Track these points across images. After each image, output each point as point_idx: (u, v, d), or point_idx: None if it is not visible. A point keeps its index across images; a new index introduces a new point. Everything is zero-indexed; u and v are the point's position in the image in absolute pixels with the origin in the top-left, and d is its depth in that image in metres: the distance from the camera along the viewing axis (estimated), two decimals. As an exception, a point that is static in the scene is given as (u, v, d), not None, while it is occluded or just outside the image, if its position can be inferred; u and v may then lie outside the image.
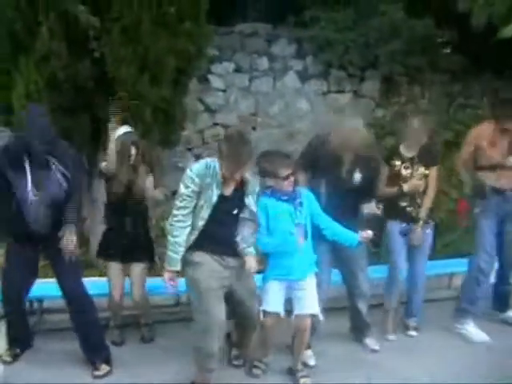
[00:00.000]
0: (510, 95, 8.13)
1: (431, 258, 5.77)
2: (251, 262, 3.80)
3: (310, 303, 3.99)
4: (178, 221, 3.72)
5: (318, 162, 4.32)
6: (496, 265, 5.25)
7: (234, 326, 4.28)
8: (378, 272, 5.32)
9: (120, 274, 4.45)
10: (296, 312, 4.01)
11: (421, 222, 4.75)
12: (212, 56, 6.97)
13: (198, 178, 3.70)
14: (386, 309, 4.98)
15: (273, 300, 3.99)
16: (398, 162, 4.77)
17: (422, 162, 4.73)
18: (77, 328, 4.14)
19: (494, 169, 4.87)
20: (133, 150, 4.32)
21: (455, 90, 7.89)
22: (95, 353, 4.13)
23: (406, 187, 4.70)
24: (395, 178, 4.78)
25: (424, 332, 4.99)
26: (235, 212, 3.82)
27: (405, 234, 4.85)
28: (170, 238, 3.77)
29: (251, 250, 3.85)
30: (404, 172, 4.74)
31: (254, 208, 3.87)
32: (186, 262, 3.78)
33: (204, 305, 3.70)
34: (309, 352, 4.37)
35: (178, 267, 3.74)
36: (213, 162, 3.76)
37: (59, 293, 4.11)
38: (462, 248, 6.22)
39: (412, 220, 4.81)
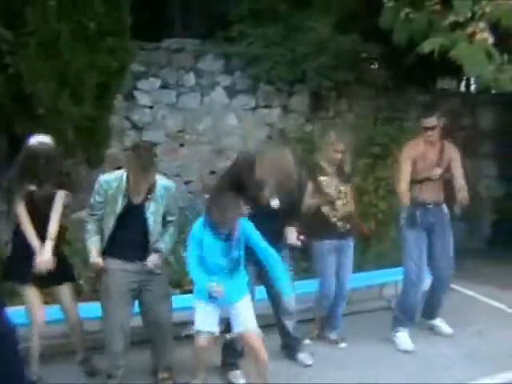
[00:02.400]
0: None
1: (360, 269, 5.85)
2: (154, 259, 3.95)
3: (248, 320, 3.90)
4: (89, 221, 4.00)
5: (241, 184, 4.22)
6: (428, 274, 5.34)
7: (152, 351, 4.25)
8: (307, 287, 5.30)
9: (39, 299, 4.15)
10: (237, 330, 3.92)
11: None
12: (137, 72, 6.81)
13: (102, 189, 3.91)
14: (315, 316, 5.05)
15: (206, 319, 3.87)
16: (322, 178, 4.79)
17: (338, 178, 4.82)
18: None
19: (421, 182, 4.95)
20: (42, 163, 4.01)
21: (381, 104, 8.03)
22: None
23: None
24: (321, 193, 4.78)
25: (356, 343, 5.02)
26: (147, 217, 3.94)
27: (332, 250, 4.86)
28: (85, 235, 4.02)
29: (161, 245, 4.02)
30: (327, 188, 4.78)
31: (161, 214, 4.01)
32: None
33: (109, 307, 3.94)
34: (237, 372, 4.28)
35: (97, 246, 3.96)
36: (122, 172, 3.96)
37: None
38: (392, 258, 6.30)
39: (341, 236, 4.81)
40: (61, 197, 4.10)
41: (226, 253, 3.81)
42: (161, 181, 4.04)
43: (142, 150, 3.90)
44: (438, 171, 4.94)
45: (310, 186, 4.67)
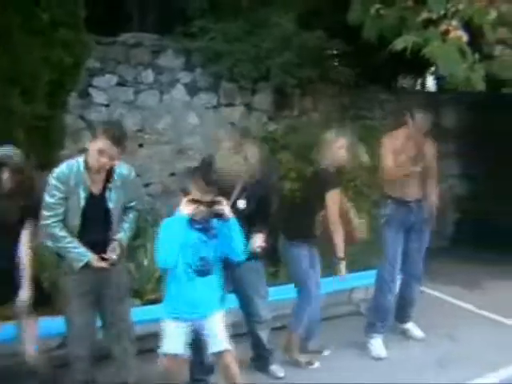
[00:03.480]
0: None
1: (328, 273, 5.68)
2: (112, 248, 3.66)
3: (220, 340, 3.63)
4: (54, 226, 3.54)
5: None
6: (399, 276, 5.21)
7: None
8: (278, 294, 5.09)
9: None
10: (210, 351, 3.66)
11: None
12: (93, 68, 6.45)
13: (60, 183, 3.49)
14: (293, 332, 4.73)
15: (172, 340, 3.58)
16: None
17: None
18: None
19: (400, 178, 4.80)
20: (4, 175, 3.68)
21: (345, 103, 7.88)
22: None
23: None
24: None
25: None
26: (109, 207, 3.63)
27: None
28: (57, 243, 3.60)
29: (121, 235, 3.73)
30: None
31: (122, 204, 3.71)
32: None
33: (69, 312, 3.69)
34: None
35: (87, 257, 3.58)
36: (75, 161, 3.59)
37: None
38: (361, 261, 6.17)
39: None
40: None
41: (198, 249, 3.53)
42: (119, 167, 3.68)
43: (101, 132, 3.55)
44: (417, 169, 4.79)
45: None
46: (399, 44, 4.60)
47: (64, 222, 3.56)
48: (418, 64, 8.70)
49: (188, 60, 7.03)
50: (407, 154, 4.78)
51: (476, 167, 8.62)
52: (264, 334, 4.33)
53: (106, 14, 7.54)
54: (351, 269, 5.88)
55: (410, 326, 5.33)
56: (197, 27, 6.99)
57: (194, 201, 3.44)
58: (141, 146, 6.80)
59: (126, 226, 3.79)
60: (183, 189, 3.59)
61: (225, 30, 6.93)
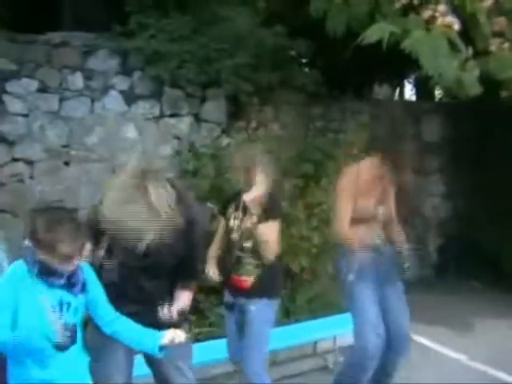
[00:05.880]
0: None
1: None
2: None
3: None
4: None
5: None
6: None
7: None
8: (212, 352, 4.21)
9: None
10: None
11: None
12: (6, 71, 5.45)
13: None
14: None
15: None
16: (231, 209, 3.66)
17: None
18: None
19: (365, 222, 3.75)
20: None
21: (313, 113, 6.93)
22: None
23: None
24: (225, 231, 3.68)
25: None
26: None
27: (231, 308, 3.69)
28: None
29: None
30: (232, 223, 3.60)
31: None
32: None
33: None
34: None
35: None
36: None
37: None
38: (329, 302, 5.25)
39: (239, 291, 3.60)
40: None
41: (58, 312, 2.55)
42: None
43: None
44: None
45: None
46: (373, 34, 3.55)
47: None
48: (395, 68, 7.83)
49: (124, 62, 5.99)
50: (372, 195, 3.74)
51: (461, 185, 7.72)
52: None
53: (34, 11, 6.56)
54: (316, 312, 5.06)
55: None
56: (134, 24, 5.92)
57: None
58: (66, 164, 5.76)
59: None
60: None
61: (168, 26, 5.87)
